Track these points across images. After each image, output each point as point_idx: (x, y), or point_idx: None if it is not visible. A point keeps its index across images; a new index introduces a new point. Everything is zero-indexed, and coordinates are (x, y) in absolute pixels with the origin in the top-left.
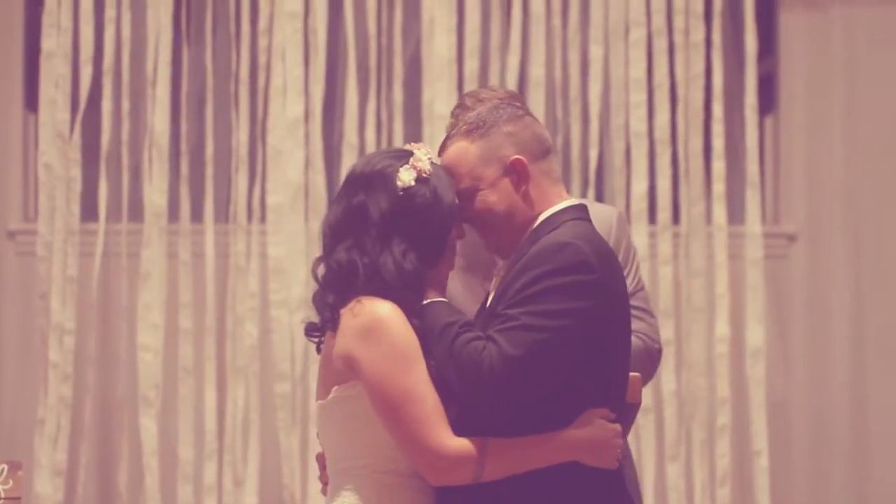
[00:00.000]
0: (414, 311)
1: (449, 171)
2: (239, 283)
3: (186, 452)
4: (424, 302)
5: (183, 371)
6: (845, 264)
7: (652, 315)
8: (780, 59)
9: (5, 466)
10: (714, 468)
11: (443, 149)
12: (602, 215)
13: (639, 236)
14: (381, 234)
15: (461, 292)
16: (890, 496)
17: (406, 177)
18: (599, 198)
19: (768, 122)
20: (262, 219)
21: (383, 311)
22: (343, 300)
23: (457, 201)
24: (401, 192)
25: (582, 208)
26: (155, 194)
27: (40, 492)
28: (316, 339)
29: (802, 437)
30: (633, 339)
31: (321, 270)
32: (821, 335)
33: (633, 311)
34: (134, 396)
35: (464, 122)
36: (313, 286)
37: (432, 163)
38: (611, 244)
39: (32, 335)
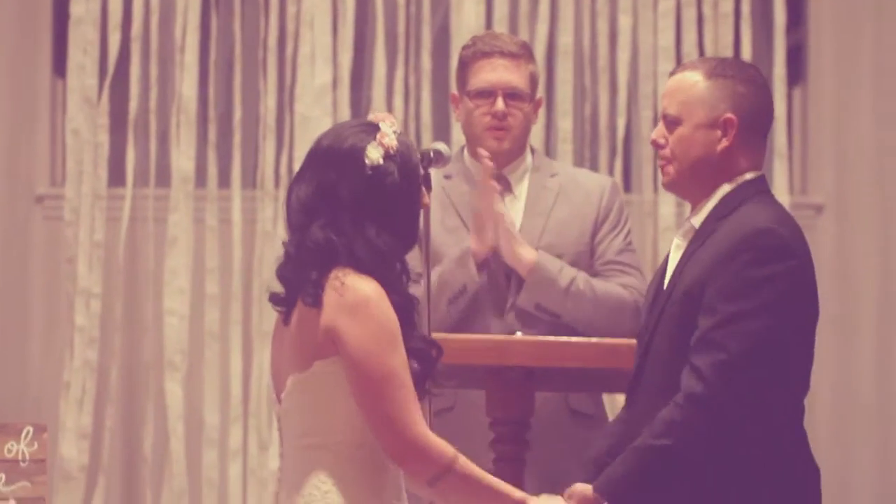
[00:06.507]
0: (393, 288)
1: (668, 92)
2: (266, 248)
3: (212, 417)
4: None
5: (209, 336)
6: (873, 235)
7: (641, 273)
8: (809, 30)
9: (31, 429)
10: None
11: (675, 70)
12: (595, 182)
13: (666, 205)
14: (353, 217)
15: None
16: None
17: (374, 154)
18: (627, 166)
19: (796, 92)
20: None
21: (369, 289)
22: (325, 275)
23: (422, 172)
24: (370, 172)
25: (763, 180)
26: (182, 160)
27: (65, 455)
28: (281, 310)
29: (826, 404)
30: (623, 291)
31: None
32: (848, 305)
33: (624, 267)
34: (160, 361)
35: (704, 60)
36: None
37: (398, 136)
38: (601, 208)
39: (59, 299)
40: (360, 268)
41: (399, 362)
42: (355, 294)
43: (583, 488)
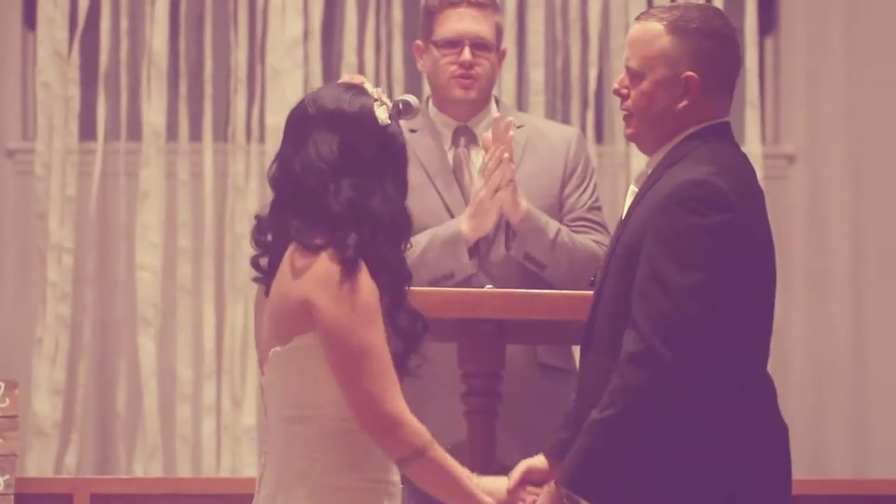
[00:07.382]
0: (391, 261)
1: (631, 42)
2: (237, 202)
3: (185, 372)
4: None
5: (181, 291)
6: (845, 185)
7: (608, 231)
8: None
9: (2, 385)
10: None
11: (639, 17)
12: (560, 134)
13: (638, 157)
14: (375, 177)
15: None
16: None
17: (382, 115)
18: (599, 117)
19: (768, 42)
20: (261, 139)
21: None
22: (326, 238)
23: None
24: (384, 132)
25: (721, 127)
26: (153, 114)
27: (38, 411)
28: (261, 279)
29: (802, 357)
30: (594, 245)
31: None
32: (820, 255)
33: (593, 225)
34: (132, 316)
35: (669, 9)
36: None
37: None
38: (569, 160)
39: (30, 254)
40: (373, 232)
41: (376, 337)
42: (332, 265)
43: (540, 466)
